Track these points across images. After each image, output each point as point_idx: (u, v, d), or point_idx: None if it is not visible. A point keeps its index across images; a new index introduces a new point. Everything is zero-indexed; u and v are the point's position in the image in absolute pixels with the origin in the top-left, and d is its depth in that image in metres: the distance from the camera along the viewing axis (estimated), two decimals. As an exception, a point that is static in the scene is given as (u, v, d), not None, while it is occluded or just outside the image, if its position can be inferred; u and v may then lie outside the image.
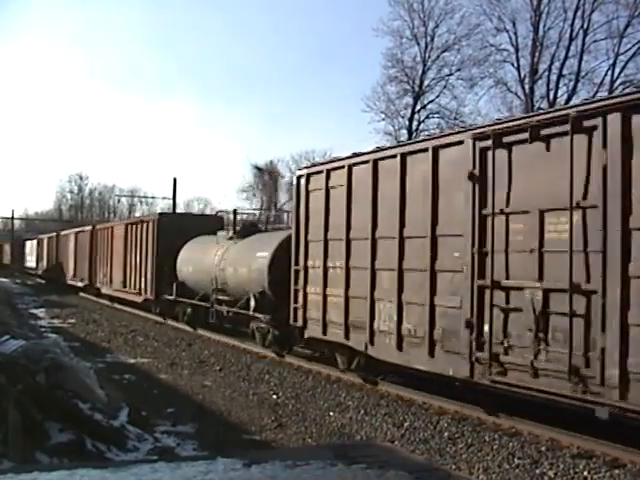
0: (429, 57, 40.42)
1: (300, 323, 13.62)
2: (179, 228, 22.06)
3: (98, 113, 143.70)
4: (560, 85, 35.83)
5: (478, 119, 39.67)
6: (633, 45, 33.56)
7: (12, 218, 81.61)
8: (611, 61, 33.98)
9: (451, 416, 10.01)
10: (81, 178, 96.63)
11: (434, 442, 8.88)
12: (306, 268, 13.46)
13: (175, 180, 44.45)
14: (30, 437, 6.89)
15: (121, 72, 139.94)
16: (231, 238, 18.70)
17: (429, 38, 40.18)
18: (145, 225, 24.44)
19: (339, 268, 12.34)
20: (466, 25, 38.82)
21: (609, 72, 34.11)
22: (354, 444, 8.33)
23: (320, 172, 13.28)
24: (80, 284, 34.90)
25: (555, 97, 35.86)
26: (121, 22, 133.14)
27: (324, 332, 12.73)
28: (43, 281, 46.80)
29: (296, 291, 13.80)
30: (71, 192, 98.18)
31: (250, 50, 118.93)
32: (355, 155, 12.39)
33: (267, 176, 60.01)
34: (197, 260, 19.92)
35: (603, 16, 34.17)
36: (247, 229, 19.10)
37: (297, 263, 13.79)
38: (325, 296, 12.72)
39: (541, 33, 35.77)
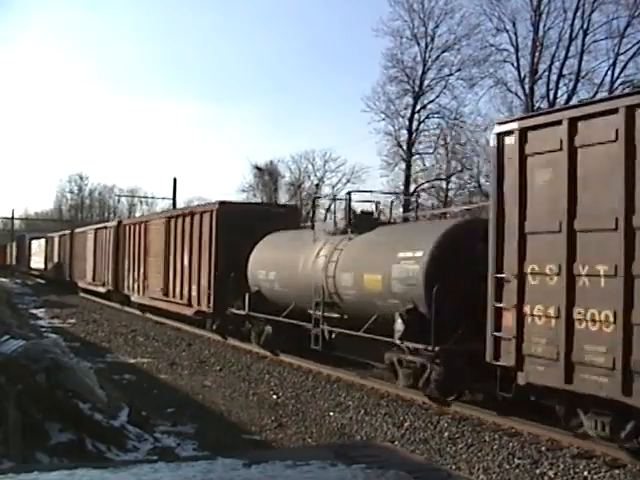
0: (429, 57, 40.50)
1: (510, 361, 8.75)
2: (247, 221, 17.14)
3: (98, 113, 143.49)
4: (560, 85, 35.93)
5: (478, 119, 39.78)
6: (633, 45, 33.69)
7: (12, 218, 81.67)
8: (611, 61, 34.08)
9: (451, 416, 10.01)
10: (81, 178, 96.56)
11: (434, 442, 8.89)
12: (522, 275, 8.66)
13: (175, 180, 44.52)
14: (30, 437, 6.89)
15: (121, 72, 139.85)
16: (344, 232, 13.60)
17: (429, 38, 40.26)
18: (198, 218, 19.08)
19: (605, 276, 7.69)
20: (466, 25, 38.92)
21: (609, 72, 34.23)
22: (354, 444, 8.34)
23: (554, 124, 8.44)
24: (101, 289, 30.18)
25: (555, 97, 35.91)
26: (120, 23, 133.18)
27: (568, 379, 8.01)
28: (50, 283, 44.06)
29: (498, 311, 9.00)
30: (71, 192, 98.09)
31: (250, 50, 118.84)
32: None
33: (267, 176, 59.94)
34: (284, 263, 14.95)
35: (603, 16, 34.28)
36: (364, 220, 13.86)
37: (500, 268, 9.00)
38: (571, 321, 8.06)
39: (541, 33, 35.83)
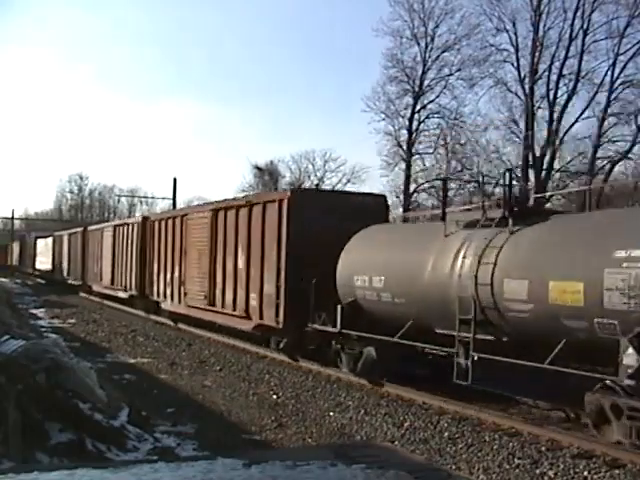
0: (429, 57, 40.54)
1: None
2: (327, 213, 13.98)
3: (98, 113, 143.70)
4: (560, 85, 35.95)
5: (478, 119, 39.76)
6: (633, 45, 33.72)
7: (12, 218, 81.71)
8: (611, 61, 34.09)
9: (451, 416, 10.01)
10: (81, 178, 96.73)
11: (434, 442, 8.88)
12: None
13: (175, 180, 44.61)
14: (30, 437, 6.89)
15: (121, 72, 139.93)
16: (501, 223, 10.05)
17: (429, 38, 40.30)
18: (259, 209, 15.48)
19: None
20: (466, 25, 38.97)
21: (609, 72, 34.22)
22: (354, 444, 8.34)
23: None
24: (122, 294, 26.84)
25: (555, 97, 35.97)
26: (120, 23, 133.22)
27: None
28: (58, 286, 40.25)
29: None
30: (71, 192, 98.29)
31: (250, 50, 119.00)
32: None
33: (267, 176, 59.97)
34: (398, 265, 11.49)
35: (603, 16, 34.34)
36: (525, 206, 10.57)
37: None
38: None
39: (541, 33, 35.87)
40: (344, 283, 12.73)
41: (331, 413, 10.50)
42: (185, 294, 19.80)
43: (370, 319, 12.10)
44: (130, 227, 26.34)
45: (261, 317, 15.07)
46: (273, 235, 14.67)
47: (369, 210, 14.55)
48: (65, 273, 39.18)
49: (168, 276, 21.45)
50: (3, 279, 49.55)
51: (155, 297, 22.90)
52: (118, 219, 62.21)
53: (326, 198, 16.11)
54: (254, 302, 15.35)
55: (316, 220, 13.86)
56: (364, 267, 12.24)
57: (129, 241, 26.12)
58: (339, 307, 12.49)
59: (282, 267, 14.23)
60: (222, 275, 17.13)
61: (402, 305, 11.29)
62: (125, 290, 26.32)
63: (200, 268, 18.49)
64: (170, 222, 21.74)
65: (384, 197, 16.77)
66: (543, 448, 8.35)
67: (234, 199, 18.47)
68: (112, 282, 28.22)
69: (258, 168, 59.65)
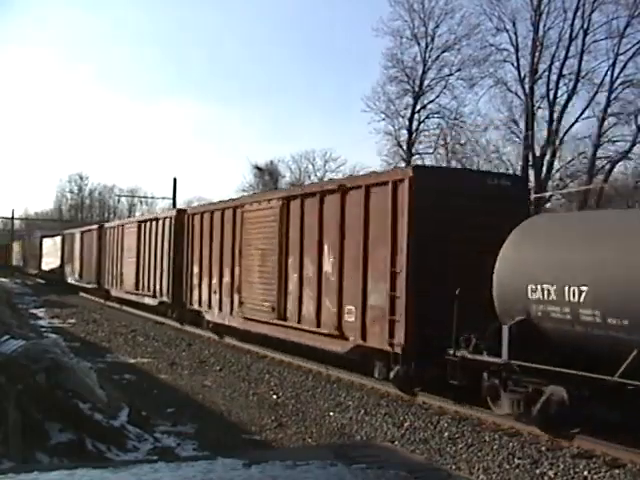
0: (429, 57, 40.53)
1: None
2: (464, 200, 10.91)
3: (98, 114, 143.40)
4: (560, 85, 35.95)
5: (478, 119, 39.74)
6: (633, 45, 33.71)
7: (12, 218, 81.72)
8: (611, 61, 34.08)
9: (451, 416, 10.01)
10: (81, 178, 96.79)
11: (434, 442, 8.88)
12: None
13: (175, 180, 44.59)
14: (30, 437, 6.89)
15: (121, 73, 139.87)
16: None
17: (429, 38, 40.29)
18: (359, 195, 12.07)
19: None
20: (466, 25, 38.94)
21: (609, 72, 34.20)
22: (354, 444, 8.35)
23: None
24: (150, 301, 23.43)
25: (555, 97, 35.97)
26: (120, 23, 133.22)
27: None
28: (69, 288, 37.14)
29: None
30: (71, 192, 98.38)
31: (250, 50, 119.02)
32: None
33: (267, 176, 60.02)
34: (615, 270, 7.99)
35: (603, 16, 34.33)
36: None
37: None
38: None
39: (541, 33, 35.86)
40: (509, 295, 9.29)
41: (331, 413, 10.51)
42: (240, 304, 16.29)
43: (553, 346, 8.77)
44: (160, 223, 22.67)
45: (363, 337, 11.81)
46: (384, 229, 11.30)
47: (510, 195, 11.40)
48: (77, 275, 35.41)
49: (214, 281, 17.99)
50: (3, 279, 49.44)
51: (196, 306, 19.40)
52: (118, 219, 61.91)
53: (458, 179, 12.01)
54: (351, 317, 12.10)
55: (449, 208, 10.74)
56: (546, 273, 8.78)
57: (159, 239, 22.51)
58: (505, 328, 9.07)
59: (401, 271, 10.91)
60: (298, 281, 13.81)
61: (622, 328, 7.82)
62: (154, 296, 22.79)
63: (264, 272, 15.14)
64: (217, 215, 18.08)
65: (525, 180, 13.29)
66: (543, 448, 8.36)
67: (321, 183, 14.31)
68: (136, 286, 24.62)
69: (258, 168, 59.72)
